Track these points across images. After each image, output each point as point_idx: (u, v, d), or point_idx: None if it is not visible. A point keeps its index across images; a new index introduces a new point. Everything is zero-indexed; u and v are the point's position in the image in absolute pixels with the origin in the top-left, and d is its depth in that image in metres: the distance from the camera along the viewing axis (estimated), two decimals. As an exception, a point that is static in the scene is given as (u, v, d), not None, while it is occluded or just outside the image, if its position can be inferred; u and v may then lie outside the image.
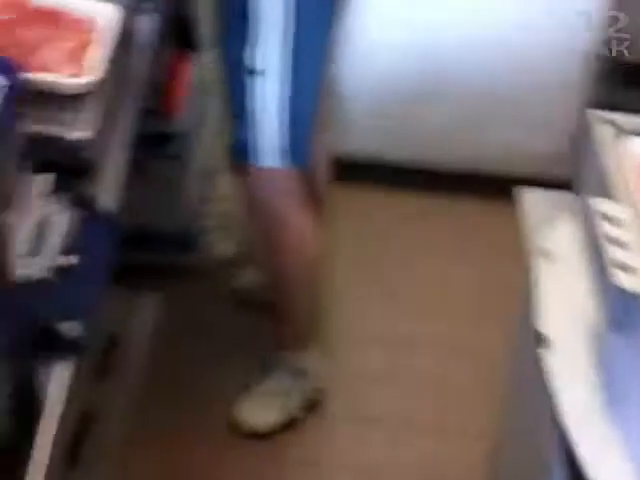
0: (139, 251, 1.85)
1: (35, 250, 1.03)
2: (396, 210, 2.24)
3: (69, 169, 1.14)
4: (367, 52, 2.08)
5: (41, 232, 1.05)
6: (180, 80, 1.79)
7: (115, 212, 1.18)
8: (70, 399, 0.99)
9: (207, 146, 2.03)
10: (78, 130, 1.15)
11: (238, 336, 1.93)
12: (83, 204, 1.11)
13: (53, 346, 0.99)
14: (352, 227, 2.17)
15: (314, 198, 1.70)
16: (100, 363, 1.69)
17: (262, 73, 1.48)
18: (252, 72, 1.48)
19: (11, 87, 0.99)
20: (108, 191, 1.20)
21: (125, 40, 1.30)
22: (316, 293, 1.81)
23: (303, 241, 1.67)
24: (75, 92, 1.16)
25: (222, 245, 2.11)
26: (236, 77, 1.52)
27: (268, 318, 1.78)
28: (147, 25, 1.42)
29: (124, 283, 1.47)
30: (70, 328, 1.00)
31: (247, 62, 1.48)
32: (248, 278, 2.01)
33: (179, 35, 1.65)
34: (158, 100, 1.69)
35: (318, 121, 1.60)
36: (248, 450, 1.74)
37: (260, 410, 1.77)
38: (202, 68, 1.87)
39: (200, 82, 1.89)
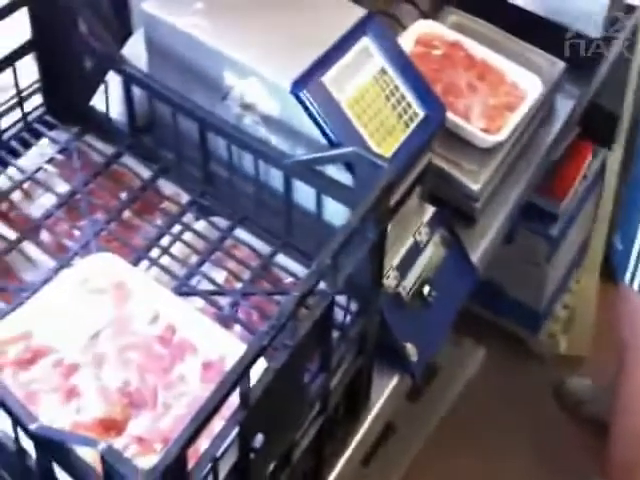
0: (486, 304, 1.91)
1: (402, 268, 1.10)
2: None
3: (452, 209, 1.21)
4: None
5: (410, 255, 1.12)
6: (576, 166, 1.81)
7: (479, 262, 1.23)
8: (384, 407, 1.06)
9: (578, 237, 2.02)
10: (475, 181, 1.22)
11: (551, 437, 1.91)
12: (454, 244, 1.17)
13: (394, 360, 1.05)
14: None
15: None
16: (417, 385, 1.79)
17: None
18: None
19: (432, 120, 1.08)
20: (479, 241, 1.25)
21: (539, 113, 1.36)
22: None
23: None
24: (485, 146, 1.23)
25: (562, 339, 2.09)
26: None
27: (591, 434, 1.73)
28: (563, 105, 1.47)
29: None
30: (412, 351, 1.06)
31: None
32: (580, 385, 1.96)
33: (590, 123, 1.67)
34: (549, 179, 1.72)
35: None
36: None
37: None
38: (602, 161, 1.88)
39: (594, 174, 1.89)
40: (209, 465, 0.68)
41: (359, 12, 1.09)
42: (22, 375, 0.79)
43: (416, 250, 1.12)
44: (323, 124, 0.99)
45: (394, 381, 1.07)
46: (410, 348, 1.06)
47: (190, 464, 0.66)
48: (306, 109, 1.00)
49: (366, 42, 1.07)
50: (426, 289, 1.10)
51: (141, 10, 1.09)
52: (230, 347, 0.81)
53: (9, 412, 0.70)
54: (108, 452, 0.62)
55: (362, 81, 1.04)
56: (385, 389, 1.06)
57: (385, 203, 0.86)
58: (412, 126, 1.06)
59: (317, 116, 0.99)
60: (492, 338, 2.05)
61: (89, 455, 0.67)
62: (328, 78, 1.02)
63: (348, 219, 0.82)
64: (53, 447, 0.68)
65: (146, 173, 1.10)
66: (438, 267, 1.13)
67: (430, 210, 1.16)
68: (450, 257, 1.16)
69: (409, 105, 1.07)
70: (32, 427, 0.68)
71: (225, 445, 0.69)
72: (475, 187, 1.23)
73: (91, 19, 1.10)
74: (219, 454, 0.69)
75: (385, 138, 1.02)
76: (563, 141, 1.57)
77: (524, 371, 2.06)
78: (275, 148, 1.00)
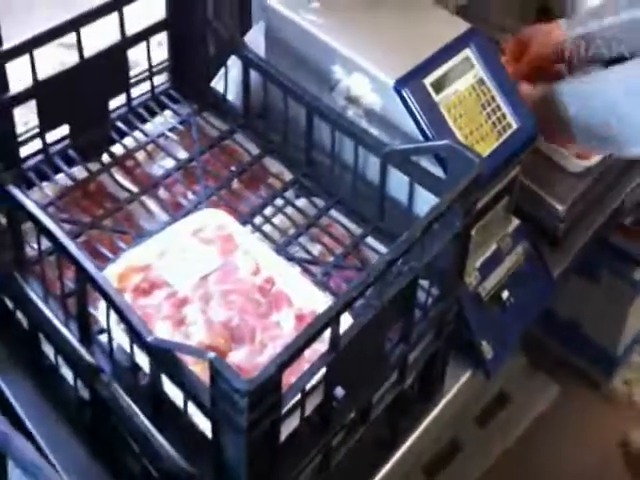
0: (563, 341, 1.98)
1: (483, 271, 1.19)
2: None
3: (537, 227, 1.31)
4: None
5: (493, 260, 1.20)
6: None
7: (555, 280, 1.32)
8: (457, 396, 1.15)
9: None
10: (562, 202, 1.31)
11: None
12: (536, 258, 1.26)
13: (469, 355, 1.15)
14: None
15: None
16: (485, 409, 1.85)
17: None
18: None
19: (524, 133, 1.16)
20: (559, 262, 1.34)
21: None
22: None
23: None
24: (576, 171, 1.32)
25: (637, 388, 2.12)
26: None
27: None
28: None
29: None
30: (487, 349, 1.15)
31: None
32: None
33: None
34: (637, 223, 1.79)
35: None
36: None
37: None
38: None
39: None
40: (298, 395, 0.78)
41: (464, 26, 1.20)
42: (139, 301, 0.90)
43: (498, 257, 1.21)
44: (420, 120, 1.09)
45: (467, 374, 1.17)
46: (485, 346, 1.15)
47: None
48: (406, 105, 1.10)
49: (468, 53, 1.17)
50: (505, 294, 1.20)
51: (265, 4, 1.21)
52: (321, 303, 0.91)
53: (129, 325, 0.82)
54: (217, 360, 0.72)
55: (461, 87, 1.14)
56: (459, 380, 1.16)
57: (473, 195, 0.96)
58: (505, 136, 1.15)
59: (415, 112, 1.09)
60: (566, 376, 2.06)
61: (198, 369, 0.79)
62: (429, 80, 1.12)
63: (438, 202, 0.91)
64: (166, 359, 0.79)
65: (255, 150, 1.21)
66: (518, 276, 1.22)
67: (515, 222, 1.25)
68: (531, 269, 1.25)
69: (503, 116, 1.16)
70: (149, 339, 0.79)
71: (314, 381, 0.80)
72: (561, 208, 1.31)
73: (220, 7, 1.23)
74: (308, 387, 0.79)
75: (478, 142, 1.12)
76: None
77: (596, 415, 2.05)
78: (375, 137, 1.11)
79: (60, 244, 0.89)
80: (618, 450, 1.99)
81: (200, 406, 0.78)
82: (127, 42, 1.18)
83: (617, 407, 2.08)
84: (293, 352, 0.74)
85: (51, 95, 1.11)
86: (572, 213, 1.35)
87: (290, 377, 0.78)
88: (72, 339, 0.94)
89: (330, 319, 0.78)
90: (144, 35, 1.21)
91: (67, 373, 1.00)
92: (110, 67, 1.18)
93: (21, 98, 1.10)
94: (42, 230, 0.91)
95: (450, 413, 1.16)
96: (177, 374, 0.79)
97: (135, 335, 0.81)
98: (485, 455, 1.88)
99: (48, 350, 1.01)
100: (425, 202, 1.08)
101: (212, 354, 0.73)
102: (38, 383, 1.06)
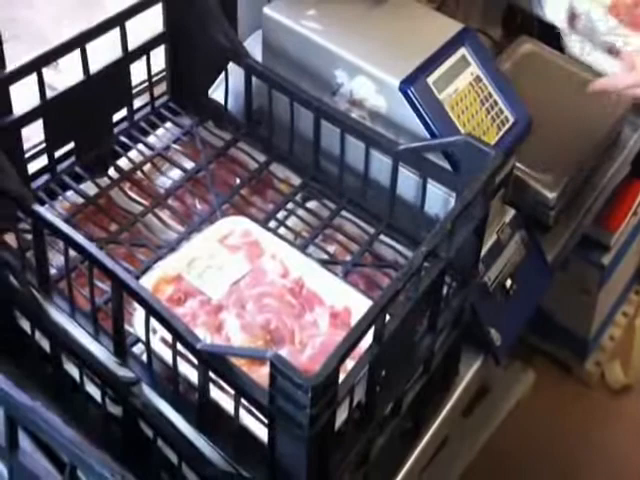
0: (535, 330, 2.01)
1: (487, 261, 1.21)
2: None
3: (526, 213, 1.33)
4: None
5: (494, 250, 1.22)
6: (628, 203, 1.92)
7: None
8: (471, 383, 1.17)
9: (628, 269, 2.12)
10: (551, 191, 1.34)
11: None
12: (533, 246, 1.28)
13: (479, 343, 1.17)
14: None
15: None
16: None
17: None
18: None
19: (520, 126, 1.19)
20: (552, 247, 1.37)
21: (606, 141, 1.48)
22: None
23: None
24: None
25: (611, 371, 2.17)
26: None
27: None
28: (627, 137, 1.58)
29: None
30: (495, 336, 1.18)
31: None
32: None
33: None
34: (603, 211, 1.83)
35: None
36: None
37: None
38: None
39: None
40: (350, 385, 0.79)
41: (457, 26, 1.22)
42: (175, 311, 0.91)
43: (499, 246, 1.23)
44: (427, 119, 1.12)
45: (479, 362, 1.19)
46: (494, 333, 1.18)
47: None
48: (412, 105, 1.12)
49: (464, 51, 1.20)
50: (508, 282, 1.22)
51: (263, 13, 1.23)
52: (353, 299, 0.93)
53: (176, 334, 0.82)
54: (277, 358, 0.73)
55: (461, 85, 1.17)
56: (471, 368, 1.18)
57: (491, 186, 0.98)
58: (503, 130, 1.18)
59: (422, 112, 1.12)
60: (540, 363, 2.12)
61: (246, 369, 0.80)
62: (432, 79, 1.15)
63: (464, 195, 0.93)
64: (218, 364, 0.80)
65: (261, 157, 1.22)
66: (518, 264, 1.25)
67: (511, 212, 1.27)
68: (529, 257, 1.27)
69: (501, 111, 1.19)
70: (199, 346, 0.80)
71: (361, 374, 0.81)
72: (551, 195, 1.35)
73: (220, 16, 1.23)
74: (357, 380, 0.81)
75: (480, 137, 1.14)
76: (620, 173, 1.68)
77: (571, 397, 2.13)
78: (386, 136, 1.12)
79: (94, 258, 0.89)
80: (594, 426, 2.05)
81: (256, 406, 0.79)
82: (129, 56, 1.18)
83: (591, 387, 2.16)
84: (349, 347, 0.76)
85: (58, 113, 1.11)
86: (561, 200, 1.38)
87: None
88: (103, 353, 0.94)
89: (377, 313, 0.79)
90: (145, 49, 1.22)
91: (93, 391, 1.00)
92: (113, 82, 1.18)
93: (29, 118, 1.10)
94: (73, 246, 0.91)
95: (465, 400, 1.18)
96: (230, 377, 0.80)
97: (183, 343, 0.82)
98: (470, 445, 1.90)
99: (70, 369, 1.01)
100: (434, 200, 1.11)
101: (271, 352, 0.74)
102: (60, 405, 1.05)
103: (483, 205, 0.96)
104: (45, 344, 1.03)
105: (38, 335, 1.03)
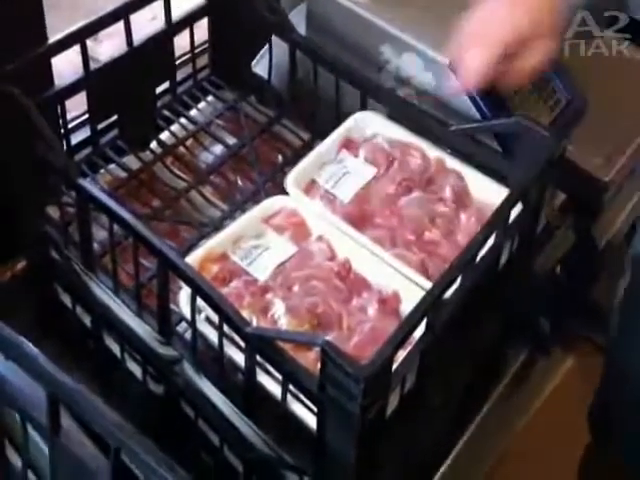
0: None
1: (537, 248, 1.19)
2: None
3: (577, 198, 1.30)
4: None
5: (544, 235, 1.19)
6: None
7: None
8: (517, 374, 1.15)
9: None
10: (603, 173, 1.31)
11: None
12: (583, 232, 1.26)
13: (527, 332, 1.15)
14: None
15: None
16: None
17: None
18: None
19: (574, 108, 1.17)
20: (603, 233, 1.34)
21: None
22: None
23: None
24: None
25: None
26: None
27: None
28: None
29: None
30: (545, 325, 1.15)
31: None
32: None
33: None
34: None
35: None
36: None
37: None
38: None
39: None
40: (402, 375, 0.77)
41: (508, 2, 1.19)
42: (220, 290, 0.89)
43: (548, 232, 1.20)
44: (478, 99, 1.09)
45: (526, 352, 1.17)
46: (543, 322, 1.15)
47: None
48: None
49: (516, 29, 1.17)
50: (557, 269, 1.19)
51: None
52: (401, 284, 0.91)
53: (224, 316, 0.81)
54: (329, 345, 0.71)
55: (511, 64, 1.14)
56: (518, 358, 1.16)
57: (548, 172, 0.95)
58: (557, 111, 1.14)
59: (473, 91, 1.09)
60: (582, 349, 2.09)
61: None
62: (483, 57, 1.11)
63: (522, 179, 0.90)
64: (267, 348, 0.78)
65: (305, 135, 1.20)
66: (568, 251, 1.22)
67: (562, 197, 1.24)
68: (579, 242, 1.24)
69: (553, 91, 1.15)
70: (249, 329, 0.79)
71: (413, 363, 0.79)
72: (604, 179, 1.31)
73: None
74: (408, 369, 0.79)
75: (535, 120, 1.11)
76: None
77: None
78: (436, 117, 1.10)
79: (140, 235, 0.87)
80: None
81: (304, 394, 0.78)
82: (173, 28, 1.16)
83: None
84: (402, 338, 0.74)
85: (101, 85, 1.10)
86: (614, 184, 1.34)
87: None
88: (146, 330, 0.93)
89: (432, 302, 0.77)
90: (188, 21, 1.19)
91: (134, 367, 0.99)
92: (156, 54, 1.16)
93: (72, 90, 1.08)
94: (118, 222, 0.90)
95: (511, 391, 1.16)
96: (278, 362, 0.78)
97: (231, 325, 0.80)
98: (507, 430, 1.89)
99: (112, 345, 1.00)
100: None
101: (323, 339, 0.72)
102: (100, 381, 1.04)
103: (538, 192, 0.93)
104: (86, 319, 1.02)
105: (79, 310, 1.03)
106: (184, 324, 0.94)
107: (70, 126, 1.13)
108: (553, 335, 1.17)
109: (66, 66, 1.13)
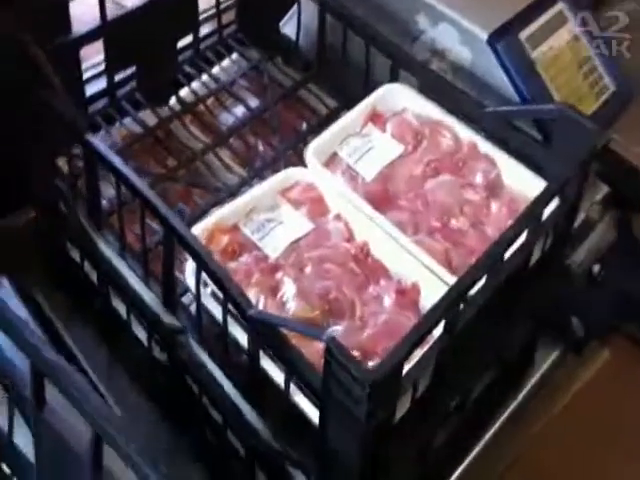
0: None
1: (573, 243, 1.11)
2: None
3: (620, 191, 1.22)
4: None
5: (581, 230, 1.10)
6: None
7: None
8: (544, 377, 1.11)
9: None
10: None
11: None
12: (626, 228, 1.18)
13: (559, 333, 1.10)
14: None
15: None
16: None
17: None
18: None
19: (621, 96, 1.10)
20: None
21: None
22: None
23: None
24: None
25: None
26: None
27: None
28: None
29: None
30: (578, 327, 1.09)
31: None
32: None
33: None
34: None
35: None
36: None
37: None
38: None
39: None
40: (414, 378, 0.72)
41: (556, -23, 1.11)
42: (228, 265, 0.84)
43: (587, 227, 1.13)
44: (516, 78, 1.02)
45: (556, 353, 1.12)
46: (577, 323, 1.09)
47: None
48: (500, 61, 1.02)
49: (561, 6, 1.10)
50: (596, 268, 1.13)
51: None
52: (422, 274, 0.85)
53: (228, 295, 0.76)
54: (334, 342, 0.66)
55: (556, 44, 1.07)
56: (548, 359, 1.11)
57: (589, 166, 0.89)
58: (602, 98, 1.08)
59: (511, 69, 1.02)
60: (617, 343, 2.03)
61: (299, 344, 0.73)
62: (524, 35, 1.05)
63: (562, 174, 0.84)
64: (269, 334, 0.73)
65: (331, 102, 1.14)
66: (609, 248, 1.15)
67: (604, 189, 1.17)
68: (620, 239, 1.17)
69: (600, 77, 1.09)
70: (251, 312, 0.73)
71: (427, 366, 0.73)
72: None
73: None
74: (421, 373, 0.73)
75: (576, 105, 1.05)
76: None
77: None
78: (470, 96, 1.03)
79: (146, 199, 0.82)
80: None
81: (307, 388, 0.73)
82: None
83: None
84: (415, 341, 0.68)
85: (120, 34, 1.04)
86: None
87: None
88: (151, 296, 0.89)
89: (452, 302, 0.72)
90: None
91: (140, 332, 0.94)
92: (180, 5, 1.10)
93: (90, 38, 1.02)
94: (125, 183, 0.84)
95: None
96: (280, 351, 0.73)
97: (234, 305, 0.75)
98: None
99: (118, 306, 0.96)
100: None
101: (329, 334, 0.67)
102: (108, 343, 1.00)
103: (577, 185, 0.87)
104: (94, 277, 0.98)
105: (87, 267, 0.98)
106: (190, 295, 0.90)
107: (88, 75, 1.07)
108: (587, 337, 1.10)
109: (89, 10, 1.07)
